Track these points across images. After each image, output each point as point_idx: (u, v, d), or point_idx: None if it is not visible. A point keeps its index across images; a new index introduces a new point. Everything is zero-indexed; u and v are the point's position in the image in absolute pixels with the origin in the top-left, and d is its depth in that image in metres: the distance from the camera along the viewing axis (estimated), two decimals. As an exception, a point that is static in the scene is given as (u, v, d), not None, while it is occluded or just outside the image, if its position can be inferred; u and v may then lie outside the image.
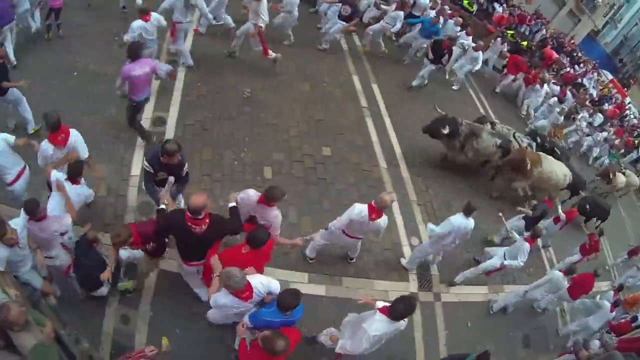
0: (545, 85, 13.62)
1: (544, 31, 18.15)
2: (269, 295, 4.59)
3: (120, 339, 5.49)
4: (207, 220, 4.65)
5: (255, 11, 8.80)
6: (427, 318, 6.92)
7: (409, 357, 6.46)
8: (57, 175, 5.23)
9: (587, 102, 15.83)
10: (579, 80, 16.97)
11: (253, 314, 4.56)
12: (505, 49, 14.11)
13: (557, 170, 10.08)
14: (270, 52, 9.35)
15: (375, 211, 5.70)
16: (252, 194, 5.36)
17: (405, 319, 4.79)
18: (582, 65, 18.89)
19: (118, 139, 7.65)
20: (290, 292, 4.48)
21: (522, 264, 7.14)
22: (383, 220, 5.84)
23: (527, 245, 7.07)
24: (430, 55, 10.96)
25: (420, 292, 7.12)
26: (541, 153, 10.30)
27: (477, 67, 12.24)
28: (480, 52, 12.05)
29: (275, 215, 5.34)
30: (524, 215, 8.57)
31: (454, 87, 12.57)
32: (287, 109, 9.06)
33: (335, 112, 9.32)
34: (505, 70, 13.76)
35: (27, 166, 5.71)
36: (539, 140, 10.90)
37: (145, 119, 8.02)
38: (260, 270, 5.07)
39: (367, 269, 7.08)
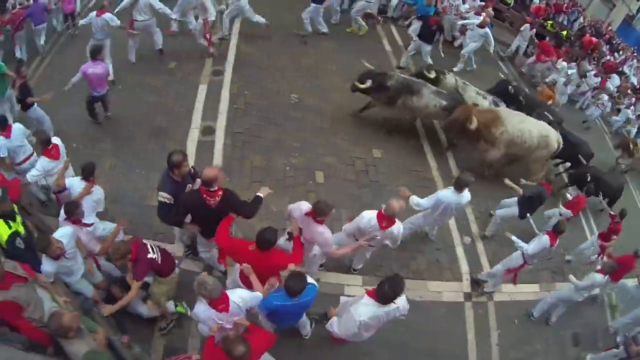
0: (565, 63, 13.04)
1: (581, 19, 17.66)
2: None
3: (172, 343, 5.59)
4: (220, 193, 4.89)
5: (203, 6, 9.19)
6: (479, 318, 6.86)
7: (461, 358, 6.40)
8: (74, 182, 5.58)
9: (629, 91, 15.30)
10: (620, 68, 16.44)
11: (264, 302, 4.58)
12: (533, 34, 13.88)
13: (530, 128, 8.39)
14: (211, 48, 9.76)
15: (385, 219, 5.32)
16: (304, 207, 5.13)
17: (398, 303, 4.53)
18: (621, 52, 18.31)
19: (165, 148, 7.78)
20: (294, 276, 4.49)
21: (527, 250, 6.42)
22: (397, 228, 5.48)
23: (546, 238, 6.39)
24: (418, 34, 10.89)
25: (474, 292, 7.05)
26: (503, 109, 8.86)
27: (490, 47, 12.02)
28: (487, 29, 11.62)
29: (320, 232, 5.03)
30: (518, 200, 7.54)
31: (455, 69, 11.55)
32: (335, 113, 9.08)
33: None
34: (534, 58, 13.31)
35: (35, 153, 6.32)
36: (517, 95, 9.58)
37: (194, 129, 8.28)
38: (262, 277, 4.80)
39: (420, 270, 7.06)
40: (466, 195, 6.35)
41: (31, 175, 5.86)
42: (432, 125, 9.52)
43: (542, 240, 6.37)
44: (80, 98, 7.68)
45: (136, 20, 8.87)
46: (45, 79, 8.69)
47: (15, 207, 5.25)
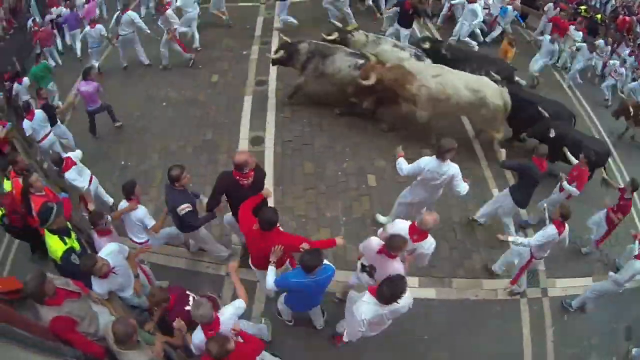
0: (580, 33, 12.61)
1: (613, 1, 17.30)
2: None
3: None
4: (252, 174, 5.26)
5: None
6: (534, 314, 6.82)
7: (516, 354, 6.37)
8: (141, 213, 5.81)
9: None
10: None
11: (279, 279, 4.74)
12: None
13: (455, 83, 7.77)
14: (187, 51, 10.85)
15: (418, 232, 5.05)
16: (375, 244, 4.95)
17: (401, 302, 4.39)
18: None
19: (215, 162, 8.15)
20: (310, 252, 4.61)
21: (528, 244, 6.06)
22: (428, 244, 5.15)
23: (551, 228, 5.88)
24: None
25: (528, 289, 6.98)
26: (416, 62, 8.34)
27: (478, 19, 11.79)
28: (477, 4, 11.62)
29: (397, 268, 4.78)
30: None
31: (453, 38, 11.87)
32: (382, 114, 9.08)
33: None
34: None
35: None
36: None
37: (243, 139, 8.62)
38: (261, 257, 5.06)
39: (475, 269, 7.06)
40: (452, 166, 6.01)
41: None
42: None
43: (547, 231, 5.88)
44: (125, 120, 7.95)
45: (120, 35, 10.51)
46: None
47: (69, 224, 5.49)
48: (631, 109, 9.82)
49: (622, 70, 12.12)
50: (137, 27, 10.50)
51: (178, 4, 10.69)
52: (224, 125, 8.85)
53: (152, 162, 8.36)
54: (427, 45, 8.97)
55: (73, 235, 5.42)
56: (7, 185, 7.18)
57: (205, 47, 11.41)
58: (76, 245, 5.36)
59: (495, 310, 6.68)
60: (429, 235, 5.14)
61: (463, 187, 6.12)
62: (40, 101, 8.36)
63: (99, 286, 4.92)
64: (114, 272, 4.97)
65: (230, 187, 5.42)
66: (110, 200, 7.44)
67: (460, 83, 7.82)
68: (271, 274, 4.74)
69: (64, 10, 12.53)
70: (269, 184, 7.72)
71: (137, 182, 6.06)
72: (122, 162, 8.40)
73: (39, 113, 7.86)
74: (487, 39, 12.71)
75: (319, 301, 5.46)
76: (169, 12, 10.18)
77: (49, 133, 8.07)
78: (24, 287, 4.26)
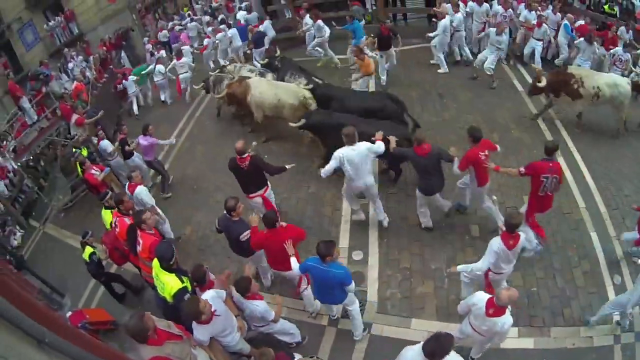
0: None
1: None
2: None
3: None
4: (249, 158, 7.20)
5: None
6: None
7: None
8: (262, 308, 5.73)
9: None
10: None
11: (302, 264, 5.71)
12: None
13: (270, 92, 10.19)
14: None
15: (494, 307, 4.91)
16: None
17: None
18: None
19: (320, 215, 8.30)
20: (325, 242, 5.49)
21: (478, 270, 5.84)
22: (502, 321, 4.95)
23: (496, 244, 5.62)
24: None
25: (622, 334, 6.54)
26: (255, 79, 10.87)
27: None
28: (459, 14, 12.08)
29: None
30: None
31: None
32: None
33: (528, 158, 8.89)
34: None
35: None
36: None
37: None
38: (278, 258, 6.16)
39: (574, 317, 6.72)
40: (363, 146, 6.93)
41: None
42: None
43: (492, 247, 5.61)
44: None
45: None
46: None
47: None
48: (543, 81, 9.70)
49: (627, 55, 11.02)
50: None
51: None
52: (330, 180, 8.85)
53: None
54: (264, 62, 12.02)
55: (187, 278, 5.54)
56: (107, 215, 7.58)
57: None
58: (189, 287, 5.48)
59: (590, 357, 6.31)
60: (507, 312, 4.97)
61: None
62: (121, 135, 10.15)
63: (200, 333, 4.95)
64: (216, 315, 5.00)
65: (234, 169, 7.39)
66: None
67: (271, 92, 10.25)
68: (294, 263, 5.75)
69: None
70: (373, 237, 7.84)
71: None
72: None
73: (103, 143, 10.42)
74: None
75: (339, 298, 5.94)
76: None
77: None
78: (126, 328, 4.34)
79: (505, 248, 5.56)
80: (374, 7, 15.33)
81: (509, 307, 4.98)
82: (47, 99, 14.82)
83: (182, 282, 5.36)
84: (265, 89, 10.33)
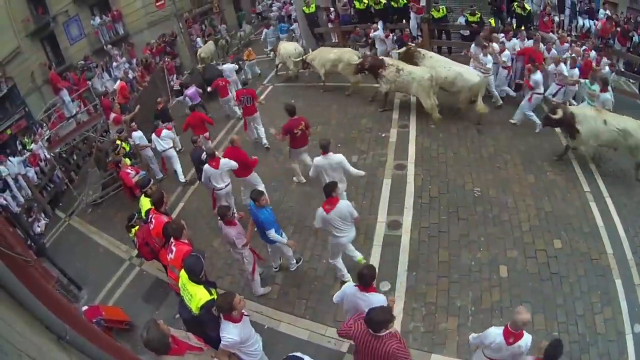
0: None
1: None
2: None
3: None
4: (219, 159, 8.38)
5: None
6: None
7: None
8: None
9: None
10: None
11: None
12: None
13: None
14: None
15: (512, 334, 4.98)
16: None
17: None
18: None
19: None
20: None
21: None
22: (524, 341, 5.00)
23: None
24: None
25: None
26: None
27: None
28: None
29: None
30: None
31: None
32: (517, 204, 8.95)
33: (561, 200, 9.07)
34: None
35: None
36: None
37: (380, 222, 8.67)
38: None
39: None
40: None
41: None
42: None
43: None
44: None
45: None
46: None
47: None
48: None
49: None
50: None
51: None
52: (363, 207, 8.91)
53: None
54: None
55: (216, 290, 5.50)
56: (145, 202, 7.65)
57: (343, 126, 11.94)
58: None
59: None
60: (524, 332, 5.01)
61: None
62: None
63: (231, 332, 4.86)
64: (245, 315, 5.03)
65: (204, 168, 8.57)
66: None
67: None
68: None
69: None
70: (402, 269, 7.79)
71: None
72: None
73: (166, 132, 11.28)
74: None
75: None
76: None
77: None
78: (146, 342, 4.25)
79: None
80: (420, 38, 15.40)
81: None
82: (89, 94, 15.09)
83: (211, 294, 5.29)
84: None
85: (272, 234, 6.98)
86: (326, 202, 6.69)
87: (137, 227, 7.80)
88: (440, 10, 14.57)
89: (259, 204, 6.83)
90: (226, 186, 8.79)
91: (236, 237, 6.92)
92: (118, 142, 10.94)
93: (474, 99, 11.25)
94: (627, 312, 7.04)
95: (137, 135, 11.54)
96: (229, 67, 14.50)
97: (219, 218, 6.97)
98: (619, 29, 13.85)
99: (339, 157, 7.87)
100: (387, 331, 4.62)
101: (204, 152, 8.86)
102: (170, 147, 11.28)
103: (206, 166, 8.51)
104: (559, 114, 9.37)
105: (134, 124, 11.66)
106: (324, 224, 6.81)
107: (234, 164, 8.42)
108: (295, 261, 8.01)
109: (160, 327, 4.33)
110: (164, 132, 11.15)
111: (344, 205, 6.75)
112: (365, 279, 5.19)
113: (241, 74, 15.85)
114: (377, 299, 5.16)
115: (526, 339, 4.99)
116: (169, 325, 4.82)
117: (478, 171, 9.71)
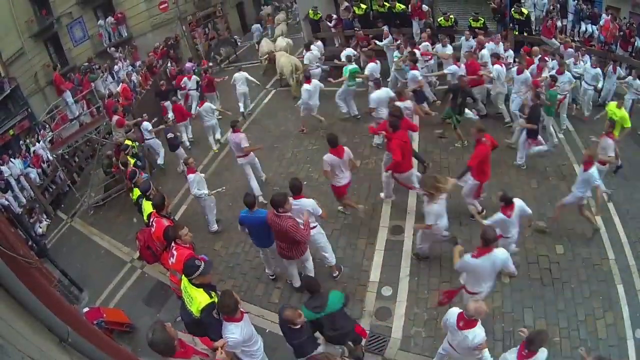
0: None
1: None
2: None
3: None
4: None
5: None
6: None
7: None
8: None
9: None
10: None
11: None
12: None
13: None
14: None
15: (464, 320, 5.03)
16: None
17: None
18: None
19: (354, 247, 8.32)
20: (247, 194, 6.90)
21: None
22: (472, 334, 5.02)
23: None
24: None
25: None
26: None
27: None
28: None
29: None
30: None
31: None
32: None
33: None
34: None
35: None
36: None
37: (383, 227, 8.71)
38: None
39: None
40: None
41: None
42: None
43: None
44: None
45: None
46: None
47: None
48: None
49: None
50: None
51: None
52: (365, 212, 8.89)
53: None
54: None
55: (216, 293, 5.45)
56: (148, 206, 7.66)
57: (346, 132, 11.88)
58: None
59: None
60: (478, 325, 5.05)
61: None
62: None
63: (233, 332, 4.87)
64: (245, 313, 5.05)
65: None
66: None
67: None
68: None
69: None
70: (404, 274, 7.80)
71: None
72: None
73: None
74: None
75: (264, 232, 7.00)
76: None
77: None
78: (151, 343, 4.19)
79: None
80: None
81: (479, 320, 5.05)
82: (92, 96, 15.11)
83: (211, 297, 5.28)
84: None
85: None
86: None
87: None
88: (449, 20, 14.56)
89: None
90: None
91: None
92: (128, 142, 10.91)
93: None
94: (629, 317, 7.04)
95: (146, 125, 12.21)
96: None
97: None
98: (621, 33, 13.84)
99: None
100: (285, 212, 6.29)
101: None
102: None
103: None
104: None
105: (145, 115, 12.20)
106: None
107: None
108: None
109: (167, 329, 4.32)
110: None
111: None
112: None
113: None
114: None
115: (475, 332, 5.00)
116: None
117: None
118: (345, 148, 8.02)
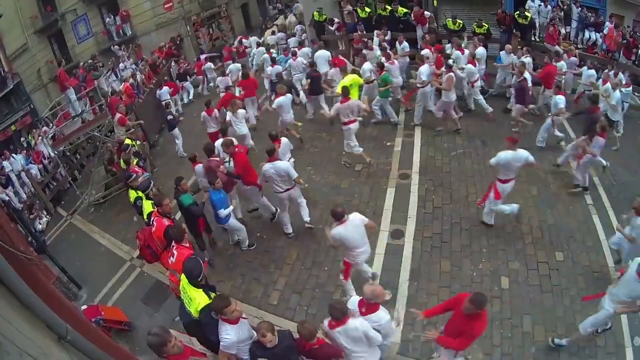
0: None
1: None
2: None
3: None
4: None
5: None
6: None
7: None
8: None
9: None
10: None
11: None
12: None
13: None
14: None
15: (365, 305, 5.06)
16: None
17: None
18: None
19: None
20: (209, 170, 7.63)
21: None
22: (377, 316, 5.05)
23: None
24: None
25: None
26: None
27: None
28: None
29: None
30: None
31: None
32: (520, 217, 8.80)
33: (564, 213, 9.04)
34: None
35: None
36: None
37: (383, 231, 8.62)
38: None
39: None
40: None
41: None
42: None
43: None
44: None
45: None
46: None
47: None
48: None
49: None
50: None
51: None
52: (366, 215, 8.78)
53: (281, 242, 8.75)
54: None
55: (214, 294, 5.47)
56: (148, 206, 7.69)
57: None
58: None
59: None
60: (380, 308, 5.13)
61: None
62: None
63: (228, 333, 4.84)
64: (244, 318, 5.02)
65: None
66: None
67: None
68: None
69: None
70: (403, 278, 7.77)
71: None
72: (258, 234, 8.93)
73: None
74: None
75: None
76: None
77: None
78: (148, 342, 4.28)
79: None
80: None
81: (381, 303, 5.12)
82: (95, 93, 15.12)
83: (210, 298, 5.29)
84: None
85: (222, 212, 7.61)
86: None
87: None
88: (457, 24, 14.55)
89: (214, 187, 7.47)
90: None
91: None
92: (128, 141, 10.90)
93: None
94: (627, 325, 7.03)
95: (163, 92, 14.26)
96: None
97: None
98: (624, 41, 13.85)
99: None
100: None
101: None
102: None
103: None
104: None
105: (166, 77, 14.17)
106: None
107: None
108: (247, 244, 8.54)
109: (164, 329, 4.37)
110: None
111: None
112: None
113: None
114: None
115: (380, 316, 5.07)
116: (168, 328, 4.84)
117: (482, 182, 9.63)
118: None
